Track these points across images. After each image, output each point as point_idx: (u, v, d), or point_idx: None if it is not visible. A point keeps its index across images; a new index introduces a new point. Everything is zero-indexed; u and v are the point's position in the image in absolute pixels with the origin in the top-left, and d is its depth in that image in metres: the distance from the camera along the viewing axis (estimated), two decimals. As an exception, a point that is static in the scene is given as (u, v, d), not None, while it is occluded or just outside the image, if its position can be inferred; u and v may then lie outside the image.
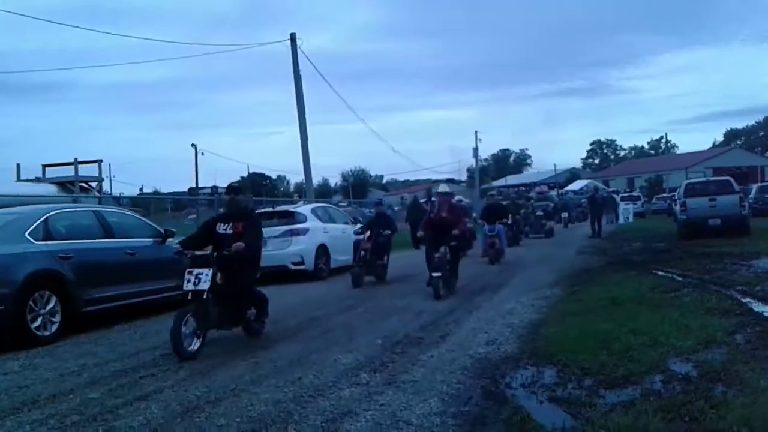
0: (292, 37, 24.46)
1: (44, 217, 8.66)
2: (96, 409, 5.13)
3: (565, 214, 35.84)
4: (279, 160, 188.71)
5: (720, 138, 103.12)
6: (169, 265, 10.23)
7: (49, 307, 8.08)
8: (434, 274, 10.38)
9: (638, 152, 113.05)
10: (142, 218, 11.61)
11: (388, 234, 13.22)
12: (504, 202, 23.09)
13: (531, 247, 21.00)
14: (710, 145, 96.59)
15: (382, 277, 13.24)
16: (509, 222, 18.22)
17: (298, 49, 24.46)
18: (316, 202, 22.61)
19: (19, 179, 20.02)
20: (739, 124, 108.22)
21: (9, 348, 7.53)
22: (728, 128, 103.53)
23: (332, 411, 4.82)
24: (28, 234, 8.28)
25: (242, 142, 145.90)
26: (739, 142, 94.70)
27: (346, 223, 16.79)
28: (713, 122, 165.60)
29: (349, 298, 11.02)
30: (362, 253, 12.88)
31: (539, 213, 28.33)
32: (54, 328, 8.14)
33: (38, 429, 4.70)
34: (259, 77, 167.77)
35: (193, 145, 54.57)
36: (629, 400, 4.67)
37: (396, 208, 35.40)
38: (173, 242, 9.66)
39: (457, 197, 17.13)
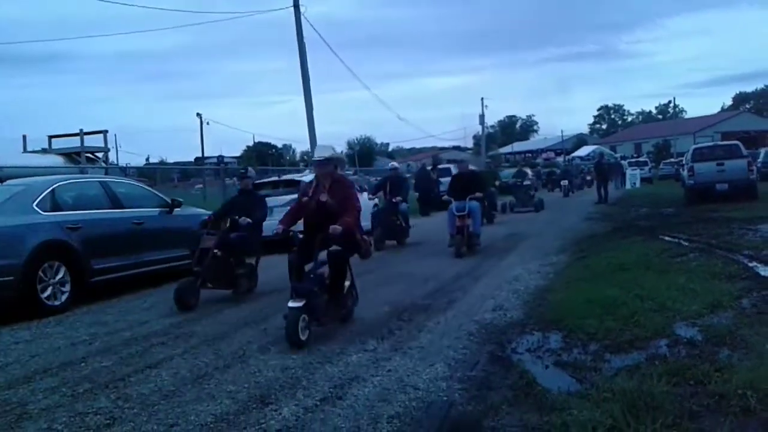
0: (296, 4, 24.14)
1: (51, 188, 8.69)
2: (107, 377, 5.21)
3: (565, 182, 32.87)
4: (284, 129, 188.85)
5: (729, 102, 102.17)
6: (176, 234, 10.30)
7: (58, 277, 8.15)
8: (291, 305, 5.79)
9: (646, 117, 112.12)
10: (149, 188, 11.64)
11: (249, 224, 8.40)
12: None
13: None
14: (719, 110, 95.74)
15: (243, 290, 8.49)
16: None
17: (302, 16, 24.20)
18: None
19: (25, 151, 20.07)
20: (749, 88, 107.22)
21: (20, 318, 7.61)
22: (737, 92, 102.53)
23: (340, 377, 4.88)
24: (36, 205, 8.31)
25: (247, 111, 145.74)
26: (747, 106, 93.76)
27: (353, 191, 16.76)
28: (723, 86, 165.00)
29: (356, 267, 11.05)
30: (206, 255, 8.09)
31: (525, 182, 24.20)
32: (64, 297, 8.21)
33: (51, 397, 4.78)
34: (264, 46, 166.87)
35: (198, 114, 54.61)
36: (634, 364, 4.70)
37: (408, 176, 35.11)
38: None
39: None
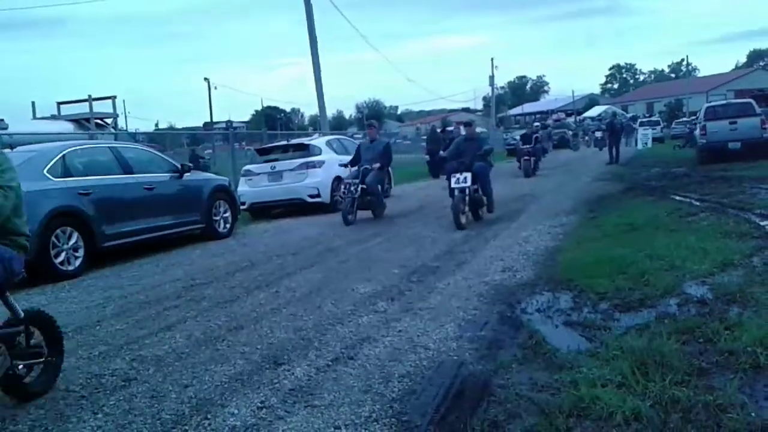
0: (302, -37, 23.75)
1: (62, 154, 8.72)
2: (122, 339, 5.29)
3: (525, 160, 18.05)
4: (293, 93, 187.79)
5: (743, 60, 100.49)
6: (186, 199, 10.34)
7: (71, 243, 8.24)
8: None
9: (658, 76, 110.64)
10: (159, 153, 11.65)
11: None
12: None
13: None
14: (733, 68, 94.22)
15: None
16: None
17: (308, -24, 23.80)
18: (331, 134, 22.45)
19: (35, 117, 20.10)
20: (763, 45, 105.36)
21: (35, 283, 7.72)
22: (752, 49, 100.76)
23: (351, 337, 4.93)
24: (47, 171, 8.36)
25: (255, 75, 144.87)
26: (762, 64, 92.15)
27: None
28: (737, 42, 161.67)
29: (367, 230, 11.07)
30: None
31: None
32: (78, 262, 8.31)
33: (67, 359, 4.83)
34: (270, 7, 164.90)
35: (205, 79, 54.38)
36: (644, 323, 4.71)
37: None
38: None
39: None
